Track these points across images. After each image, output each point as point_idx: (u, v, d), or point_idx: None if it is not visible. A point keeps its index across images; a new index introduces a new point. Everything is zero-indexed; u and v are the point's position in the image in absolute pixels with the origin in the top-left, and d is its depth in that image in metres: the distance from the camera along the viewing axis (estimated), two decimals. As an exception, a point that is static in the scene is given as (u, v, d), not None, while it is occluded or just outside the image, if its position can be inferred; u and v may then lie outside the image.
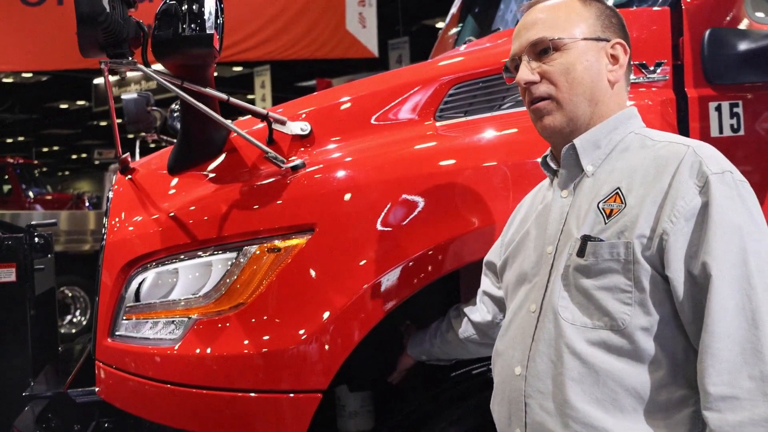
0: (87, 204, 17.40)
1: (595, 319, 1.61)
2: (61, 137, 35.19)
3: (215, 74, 2.32)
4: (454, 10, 3.87)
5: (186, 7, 2.08)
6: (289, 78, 20.70)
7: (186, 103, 2.19)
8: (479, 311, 2.15)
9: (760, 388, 1.44)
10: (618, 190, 1.64)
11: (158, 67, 2.21)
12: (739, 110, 2.36)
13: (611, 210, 1.63)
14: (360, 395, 2.49)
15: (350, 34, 12.39)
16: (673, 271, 1.54)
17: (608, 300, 1.59)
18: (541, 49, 1.73)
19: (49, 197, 17.75)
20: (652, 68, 2.32)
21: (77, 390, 2.54)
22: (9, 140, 34.08)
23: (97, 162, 33.81)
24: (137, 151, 4.17)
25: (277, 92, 17.61)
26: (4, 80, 21.72)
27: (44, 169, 25.85)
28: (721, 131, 2.33)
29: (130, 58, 2.08)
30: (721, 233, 1.50)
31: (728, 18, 2.37)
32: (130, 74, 2.00)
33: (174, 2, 2.08)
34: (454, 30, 3.82)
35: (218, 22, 2.13)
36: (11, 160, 18.17)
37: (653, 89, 2.35)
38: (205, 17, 2.08)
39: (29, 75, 20.21)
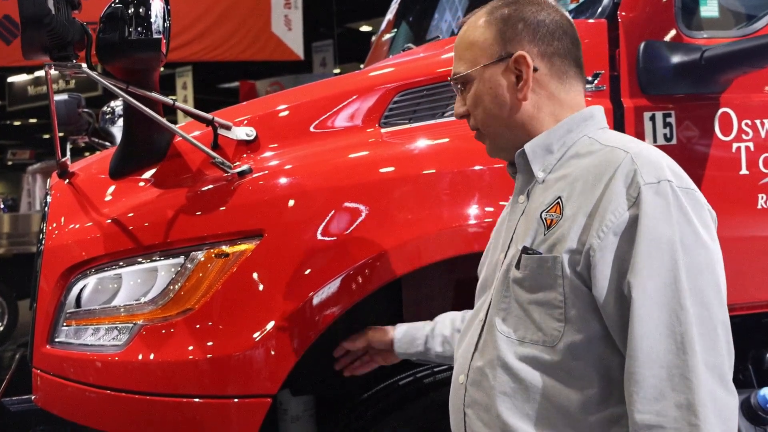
0: (2, 206, 16.91)
1: (529, 333, 1.56)
2: (-28, 137, 34.05)
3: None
4: (389, 16, 3.91)
5: (132, 10, 2.05)
6: (211, 79, 20.49)
7: (130, 106, 2.17)
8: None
9: (685, 417, 1.37)
10: (559, 200, 1.56)
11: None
12: (672, 120, 2.45)
13: (551, 221, 1.56)
14: (302, 399, 2.49)
15: (276, 36, 12.38)
16: (599, 289, 1.46)
17: (541, 315, 1.54)
18: (457, 85, 1.71)
19: (-39, 199, 17.22)
20: (590, 78, 2.38)
21: (12, 398, 2.48)
22: None
23: (10, 162, 32.84)
24: (68, 153, 4.08)
25: (199, 94, 17.43)
26: None
27: (-45, 170, 24.96)
28: (655, 140, 2.42)
29: (75, 61, 2.05)
30: (647, 249, 1.42)
31: (662, 31, 2.46)
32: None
33: (120, 5, 2.05)
34: (388, 36, 3.85)
35: (165, 25, 2.11)
36: None
37: (589, 98, 2.42)
38: (152, 20, 2.06)
39: (-61, 72, 19.53)
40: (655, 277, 1.41)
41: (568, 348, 1.51)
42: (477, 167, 2.30)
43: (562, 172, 1.61)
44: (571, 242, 1.50)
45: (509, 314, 1.60)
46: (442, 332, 2.12)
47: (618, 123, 2.38)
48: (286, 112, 2.46)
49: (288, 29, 12.45)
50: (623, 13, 2.42)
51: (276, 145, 2.35)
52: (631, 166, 1.47)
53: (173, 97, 2.25)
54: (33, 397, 2.37)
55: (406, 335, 2.18)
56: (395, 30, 3.84)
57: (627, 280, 1.42)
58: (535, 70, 1.61)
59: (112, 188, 2.36)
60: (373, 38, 4.17)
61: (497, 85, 1.63)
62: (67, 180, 2.46)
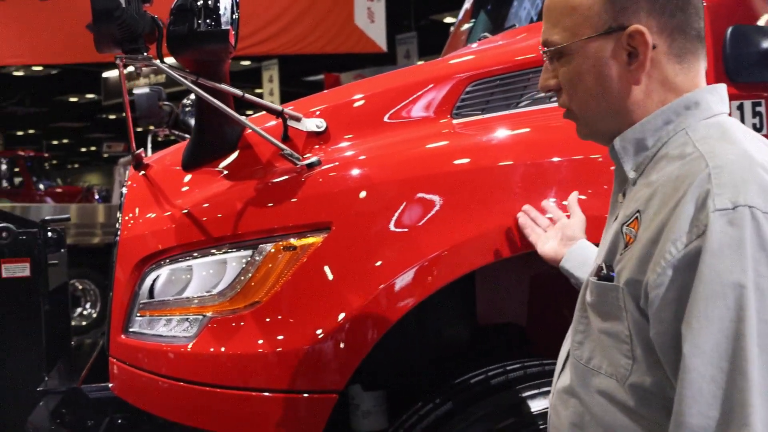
0: (96, 197, 17.47)
1: (605, 364, 1.36)
2: (70, 130, 35.28)
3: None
4: (467, 5, 3.84)
5: (201, 2, 2.06)
6: (297, 72, 20.72)
7: (200, 99, 2.18)
8: None
9: None
10: (638, 214, 1.30)
11: (171, 60, 2.20)
12: (762, 109, 2.33)
13: (629, 237, 1.31)
14: (374, 395, 2.47)
15: (359, 28, 12.40)
16: (656, 334, 1.23)
17: (611, 347, 1.33)
18: (549, 55, 1.44)
19: (59, 190, 17.86)
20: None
21: (91, 385, 2.52)
22: (20, 133, 34.22)
23: (105, 155, 33.87)
24: (149, 145, 4.16)
25: (285, 86, 17.62)
26: (15, 73, 21.77)
27: (54, 162, 25.89)
28: (742, 130, 2.30)
29: (146, 54, 2.07)
30: (707, 294, 1.15)
31: (752, 15, 2.34)
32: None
33: (189, -2, 2.06)
34: (467, 26, 3.79)
35: (233, 17, 2.11)
36: (22, 153, 18.27)
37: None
38: (221, 12, 2.06)
39: (39, 68, 20.26)
40: (713, 330, 1.14)
41: (637, 389, 1.29)
42: (553, 159, 2.23)
43: (649, 176, 1.34)
44: (632, 272, 1.26)
45: (587, 338, 1.42)
46: None
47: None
48: (356, 103, 2.43)
49: (371, 21, 12.46)
50: (710, -3, 2.31)
51: (346, 136, 2.32)
52: (706, 184, 1.19)
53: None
54: (110, 386, 2.40)
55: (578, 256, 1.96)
56: (473, 20, 3.77)
57: (678, 329, 1.18)
58: (653, 48, 1.33)
59: (184, 180, 2.38)
60: (452, 28, 4.11)
61: (603, 64, 1.35)
62: (142, 172, 2.49)
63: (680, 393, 1.16)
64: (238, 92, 2.21)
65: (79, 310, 9.24)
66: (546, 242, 2.05)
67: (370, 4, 12.41)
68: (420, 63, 16.34)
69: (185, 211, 2.26)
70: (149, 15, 2.08)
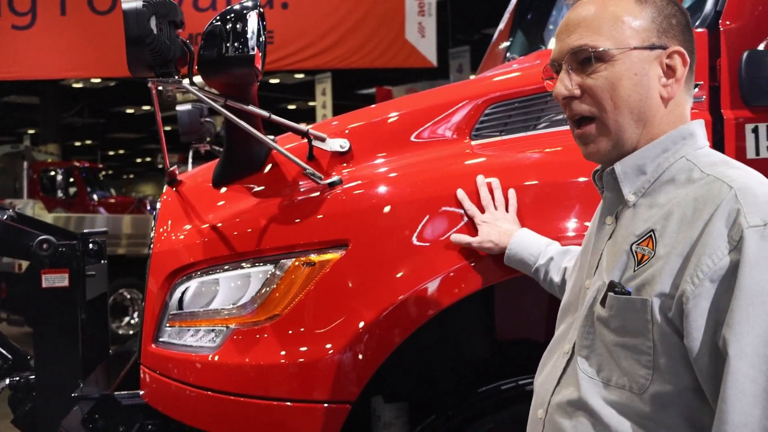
0: (148, 207, 17.79)
1: (615, 376, 1.44)
2: (126, 141, 35.98)
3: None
4: (501, 26, 3.91)
5: (230, 26, 2.15)
6: (349, 85, 20.86)
7: (229, 120, 2.27)
8: (559, 272, 2.04)
9: None
10: (652, 234, 1.41)
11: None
12: (777, 132, 2.35)
13: (643, 255, 1.41)
14: (395, 406, 2.54)
15: (409, 43, 12.46)
16: (692, 341, 1.31)
17: (628, 359, 1.41)
18: (584, 59, 1.49)
19: (112, 200, 18.22)
20: (688, 89, 2.32)
21: (123, 393, 2.63)
22: (77, 143, 34.98)
23: (160, 166, 34.44)
24: (190, 160, 4.28)
25: (338, 99, 17.76)
26: (74, 85, 22.29)
27: (109, 172, 26.47)
28: (757, 153, 2.32)
29: (177, 77, 2.17)
30: (747, 300, 1.26)
31: (766, 41, 2.37)
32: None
33: (219, 23, 2.16)
34: (503, 45, 3.85)
35: (260, 40, 2.19)
36: (77, 164, 18.68)
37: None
38: (248, 36, 2.14)
39: (98, 80, 20.72)
40: (754, 333, 1.25)
41: (657, 397, 1.38)
42: (570, 179, 2.28)
43: (655, 198, 1.46)
44: (663, 285, 1.35)
45: (593, 352, 1.49)
46: (551, 276, 2.06)
47: (718, 135, 2.30)
48: (378, 125, 2.51)
49: (421, 36, 12.51)
50: (726, 22, 2.34)
51: (369, 156, 2.40)
52: (735, 204, 1.31)
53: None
54: (140, 393, 2.51)
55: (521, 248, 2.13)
56: (511, 39, 3.83)
57: (722, 334, 1.28)
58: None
59: (214, 196, 2.48)
60: (488, 47, 4.17)
61: (644, 74, 1.46)
62: (175, 188, 2.60)
63: (724, 392, 1.26)
64: (265, 113, 2.30)
65: (126, 319, 9.43)
66: (488, 234, 2.16)
67: (421, 19, 12.46)
68: (473, 77, 16.35)
69: (214, 226, 2.36)
70: (180, 40, 2.18)
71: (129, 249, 9.48)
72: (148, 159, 39.79)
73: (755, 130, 2.33)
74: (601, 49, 1.47)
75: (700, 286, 1.30)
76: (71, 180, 17.80)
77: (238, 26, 2.15)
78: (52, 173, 17.66)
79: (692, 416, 1.37)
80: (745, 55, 2.32)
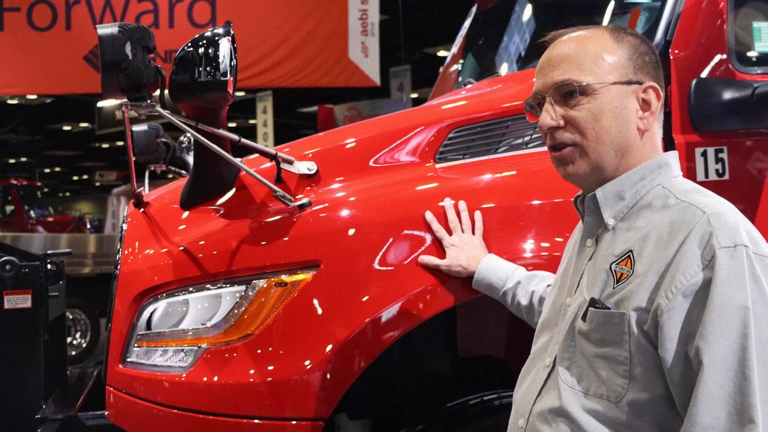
0: (88, 226, 17.50)
1: (594, 386, 1.55)
2: (63, 158, 35.37)
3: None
4: (454, 50, 4.00)
5: (202, 51, 2.19)
6: (290, 104, 20.88)
7: (199, 142, 2.31)
8: (527, 296, 2.15)
9: None
10: (630, 254, 1.54)
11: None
12: (724, 156, 2.47)
13: (621, 274, 1.54)
14: (359, 423, 2.59)
15: (353, 63, 12.53)
16: (665, 351, 1.44)
17: (606, 369, 1.53)
18: (567, 92, 1.62)
19: (50, 219, 17.86)
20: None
21: (87, 413, 2.64)
22: (12, 161, 34.29)
23: (98, 183, 33.92)
24: (146, 181, 4.27)
25: (279, 117, 17.76)
26: (9, 101, 21.89)
27: (46, 190, 26.03)
28: (706, 176, 2.45)
29: (149, 101, 2.21)
30: (719, 314, 1.39)
31: (714, 68, 2.49)
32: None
33: (191, 48, 2.20)
34: (455, 67, 3.95)
35: (232, 64, 2.23)
36: (15, 182, 18.30)
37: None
38: (220, 61, 2.19)
39: (33, 97, 20.39)
40: (723, 343, 1.38)
41: (632, 405, 1.50)
42: (532, 202, 2.37)
43: (633, 222, 1.59)
44: (639, 300, 1.48)
45: (573, 364, 1.61)
46: (519, 299, 2.17)
47: (669, 159, 2.42)
48: (346, 148, 2.57)
49: (365, 56, 12.60)
50: (675, 51, 2.47)
51: (337, 178, 2.46)
52: (708, 227, 1.44)
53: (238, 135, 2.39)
54: (106, 413, 2.51)
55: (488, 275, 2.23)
56: (461, 62, 3.93)
57: (695, 345, 1.40)
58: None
59: (182, 218, 2.51)
60: (441, 69, 4.27)
61: (623, 107, 1.60)
62: (142, 209, 2.62)
63: (695, 397, 1.38)
64: (235, 137, 2.35)
65: (68, 339, 9.26)
66: (456, 258, 2.25)
67: (364, 39, 12.54)
68: (414, 95, 16.51)
69: (183, 247, 2.39)
70: (153, 65, 2.22)
71: (70, 268, 9.29)
72: (85, 177, 39.18)
73: (704, 154, 2.45)
74: (584, 84, 1.60)
75: (673, 300, 1.43)
76: (9, 198, 17.45)
77: (210, 51, 2.19)
78: (-11, 191, 17.31)
79: (663, 423, 1.49)
80: (693, 82, 2.45)
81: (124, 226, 2.66)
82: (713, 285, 1.40)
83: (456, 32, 4.12)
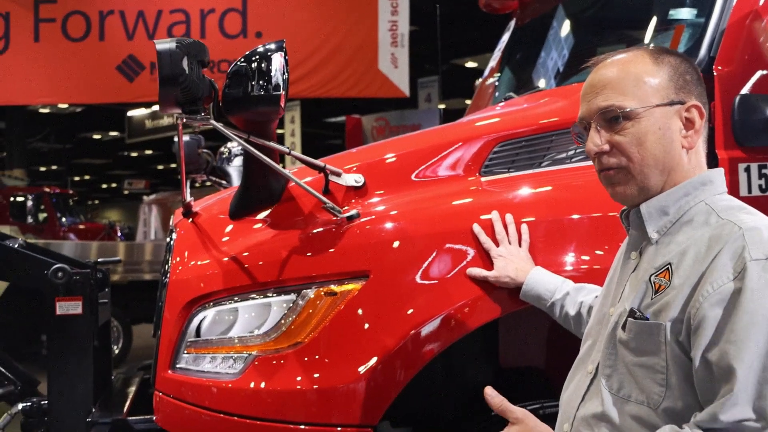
0: (119, 234, 17.67)
1: (635, 392, 1.61)
2: (93, 167, 35.77)
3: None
4: (492, 63, 4.04)
5: (255, 65, 2.25)
6: (318, 114, 20.98)
7: (250, 154, 2.37)
8: (575, 306, 2.20)
9: None
10: (669, 266, 1.60)
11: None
12: (768, 171, 2.50)
13: (660, 285, 1.60)
14: (401, 431, 2.62)
15: (382, 73, 12.58)
16: (693, 356, 1.51)
17: (645, 378, 1.59)
18: (611, 117, 1.67)
19: (82, 226, 18.09)
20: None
21: (136, 417, 2.70)
22: (43, 168, 34.68)
23: (126, 192, 34.22)
24: (188, 190, 4.35)
25: (306, 127, 17.83)
26: (41, 110, 22.18)
27: (76, 198, 26.35)
28: (749, 191, 2.47)
29: (203, 114, 2.27)
30: (748, 322, 1.44)
31: (758, 84, 2.51)
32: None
33: (244, 63, 2.26)
34: (492, 81, 3.99)
35: (284, 77, 2.27)
36: (48, 190, 18.53)
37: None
38: (272, 75, 2.24)
39: (65, 106, 20.66)
40: (753, 348, 1.43)
41: (668, 412, 1.55)
42: (574, 216, 2.40)
43: (674, 236, 1.65)
44: (674, 311, 1.54)
45: (615, 371, 1.67)
46: (567, 309, 2.21)
47: (712, 174, 2.44)
48: (392, 161, 2.62)
49: (394, 67, 12.65)
50: (719, 67, 2.49)
51: (383, 191, 2.51)
52: (741, 241, 1.50)
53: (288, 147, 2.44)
54: (154, 418, 2.57)
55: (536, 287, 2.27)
56: (499, 75, 3.97)
57: (723, 348, 1.45)
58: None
59: (231, 228, 2.57)
60: (477, 82, 4.31)
61: (667, 128, 1.65)
62: (191, 219, 2.68)
63: (721, 395, 1.44)
64: (286, 149, 2.40)
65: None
66: (504, 269, 2.29)
67: (393, 50, 12.60)
68: (441, 106, 16.54)
69: (231, 257, 2.44)
70: (207, 79, 2.28)
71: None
72: (114, 185, 39.56)
73: (747, 170, 2.48)
74: (628, 109, 1.65)
75: (702, 308, 1.49)
76: (41, 206, 17.67)
77: (263, 65, 2.25)
78: (22, 198, 17.52)
79: None
80: (737, 98, 2.47)
81: (174, 236, 2.72)
82: (743, 293, 1.46)
83: (484, 44, 4.16)
